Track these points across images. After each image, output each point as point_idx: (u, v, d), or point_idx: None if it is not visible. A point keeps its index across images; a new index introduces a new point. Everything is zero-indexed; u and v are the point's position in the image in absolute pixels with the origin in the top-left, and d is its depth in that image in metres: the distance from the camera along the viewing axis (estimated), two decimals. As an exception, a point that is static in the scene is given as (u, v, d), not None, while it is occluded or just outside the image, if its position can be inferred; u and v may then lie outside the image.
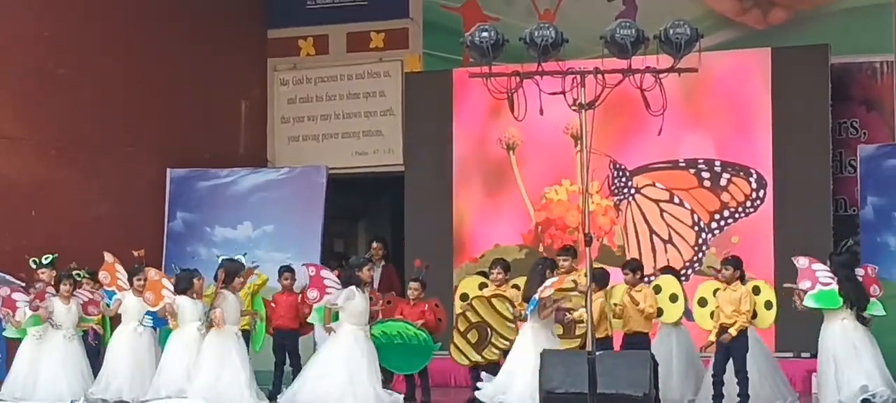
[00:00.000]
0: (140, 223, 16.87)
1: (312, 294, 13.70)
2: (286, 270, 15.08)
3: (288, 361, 14.89)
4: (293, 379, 14.83)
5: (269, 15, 18.91)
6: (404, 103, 17.82)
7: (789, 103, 15.69)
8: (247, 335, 14.32)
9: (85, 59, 16.59)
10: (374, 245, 17.47)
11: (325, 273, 13.84)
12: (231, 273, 13.55)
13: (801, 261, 13.06)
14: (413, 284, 14.55)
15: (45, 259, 14.63)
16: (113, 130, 16.89)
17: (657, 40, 11.31)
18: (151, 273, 13.98)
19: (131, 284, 14.14)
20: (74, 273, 14.60)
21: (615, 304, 13.36)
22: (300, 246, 16.50)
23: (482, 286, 14.02)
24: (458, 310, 13.88)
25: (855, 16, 16.26)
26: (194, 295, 13.64)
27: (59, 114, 16.38)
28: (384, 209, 19.75)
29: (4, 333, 14.70)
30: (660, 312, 13.42)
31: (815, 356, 13.09)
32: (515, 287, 13.88)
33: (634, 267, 13.66)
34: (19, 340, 14.39)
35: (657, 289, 13.46)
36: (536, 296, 12.68)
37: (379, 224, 19.92)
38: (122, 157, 16.97)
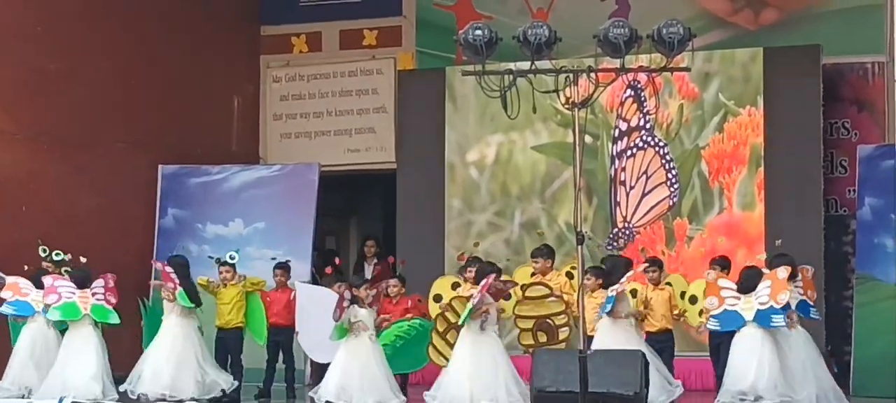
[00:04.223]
0: (131, 219, 16.88)
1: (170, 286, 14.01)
2: (280, 267, 15.10)
3: (280, 358, 14.94)
4: (286, 377, 14.92)
5: (262, 11, 18.89)
6: (397, 101, 17.82)
7: (781, 103, 15.71)
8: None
9: (77, 54, 16.56)
10: (368, 242, 17.55)
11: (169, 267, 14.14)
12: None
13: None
14: (392, 282, 14.66)
15: (57, 255, 14.58)
16: (105, 126, 16.86)
17: (650, 39, 11.32)
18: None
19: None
20: (64, 271, 14.59)
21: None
22: (292, 243, 16.51)
23: (455, 286, 14.04)
24: (434, 312, 13.87)
25: (847, 17, 16.27)
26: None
27: (51, 109, 16.35)
28: (376, 207, 19.74)
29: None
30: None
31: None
32: None
33: (723, 264, 13.79)
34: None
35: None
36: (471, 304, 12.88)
37: (371, 221, 19.92)
38: (113, 153, 16.94)
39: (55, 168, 16.40)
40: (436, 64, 17.52)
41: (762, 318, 12.75)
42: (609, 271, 13.46)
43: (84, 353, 13.90)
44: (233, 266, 14.69)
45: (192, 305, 14.07)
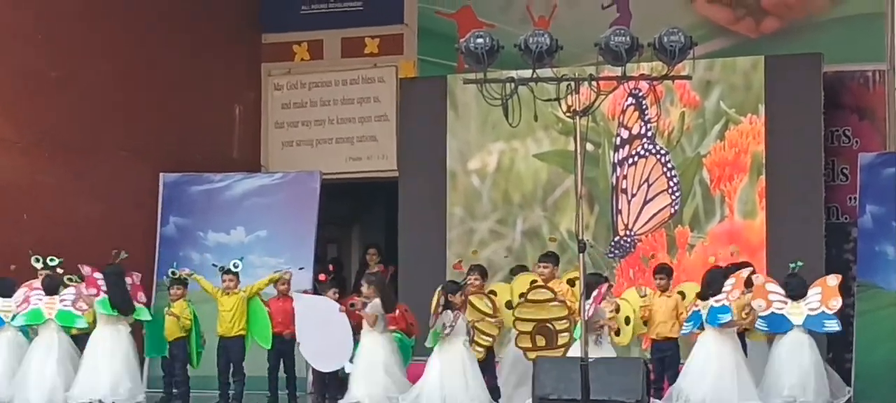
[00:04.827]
0: (133, 227, 16.85)
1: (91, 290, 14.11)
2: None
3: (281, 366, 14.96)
4: (288, 386, 14.90)
5: (263, 20, 18.92)
6: (399, 109, 17.84)
7: (782, 111, 15.72)
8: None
9: (78, 61, 16.57)
10: (370, 251, 17.55)
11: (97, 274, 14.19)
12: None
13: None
14: None
15: (51, 260, 14.61)
16: (106, 134, 16.87)
17: (651, 48, 11.33)
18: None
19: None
20: (66, 279, 14.62)
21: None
22: (293, 251, 16.50)
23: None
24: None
25: (847, 25, 16.29)
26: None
27: (52, 117, 16.34)
28: (378, 215, 19.75)
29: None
30: None
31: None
32: (492, 293, 13.91)
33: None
34: None
35: None
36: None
37: (373, 230, 19.93)
38: (115, 161, 16.94)
39: (56, 174, 16.40)
40: (437, 72, 17.53)
41: (814, 323, 13.18)
42: (708, 282, 13.31)
43: (44, 364, 14.04)
44: (236, 274, 14.72)
45: (114, 312, 14.11)
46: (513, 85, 11.45)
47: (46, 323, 14.24)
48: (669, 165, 16.15)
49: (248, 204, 17.19)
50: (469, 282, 13.97)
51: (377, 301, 13.64)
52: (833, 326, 13.29)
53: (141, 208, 17.08)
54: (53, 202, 16.27)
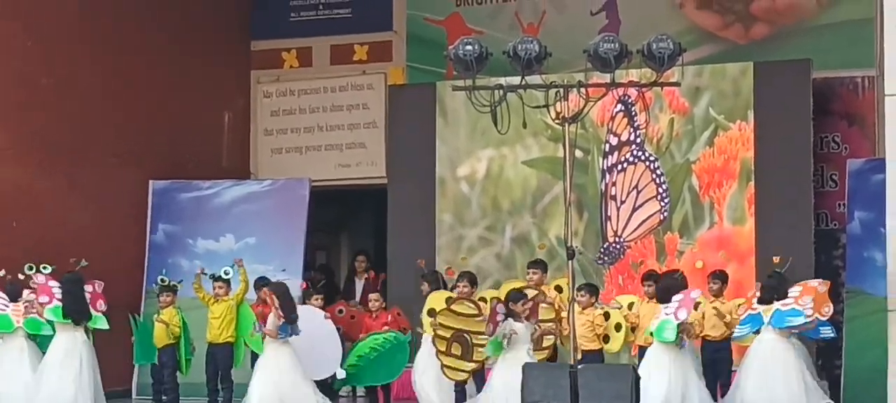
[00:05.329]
0: (122, 234, 16.85)
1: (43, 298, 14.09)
2: (263, 283, 15.09)
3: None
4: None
5: (253, 27, 18.91)
6: (388, 116, 17.84)
7: (771, 118, 15.73)
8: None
9: (69, 69, 16.55)
10: (359, 258, 17.55)
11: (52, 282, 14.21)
12: None
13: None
14: (372, 295, 14.70)
15: (44, 268, 14.59)
16: (96, 141, 16.85)
17: (640, 54, 11.34)
18: None
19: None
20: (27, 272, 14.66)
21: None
22: (283, 258, 16.49)
23: (449, 300, 14.05)
24: (428, 331, 13.85)
25: (837, 31, 16.32)
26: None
27: (42, 124, 16.32)
28: (367, 221, 19.74)
29: None
30: None
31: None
32: (482, 300, 13.90)
33: (723, 278, 13.96)
34: None
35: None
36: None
37: (362, 236, 19.93)
38: (104, 168, 16.92)
39: (46, 183, 16.37)
40: (426, 79, 17.54)
41: (791, 320, 13.18)
42: (774, 287, 13.28)
43: (16, 372, 14.10)
44: (227, 282, 14.72)
45: (67, 320, 14.10)
46: (502, 92, 11.47)
47: (15, 331, 14.23)
48: (658, 172, 16.15)
49: (238, 211, 17.19)
50: (459, 289, 13.98)
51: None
52: (828, 333, 13.34)
53: (131, 215, 17.07)
54: (44, 208, 16.24)
